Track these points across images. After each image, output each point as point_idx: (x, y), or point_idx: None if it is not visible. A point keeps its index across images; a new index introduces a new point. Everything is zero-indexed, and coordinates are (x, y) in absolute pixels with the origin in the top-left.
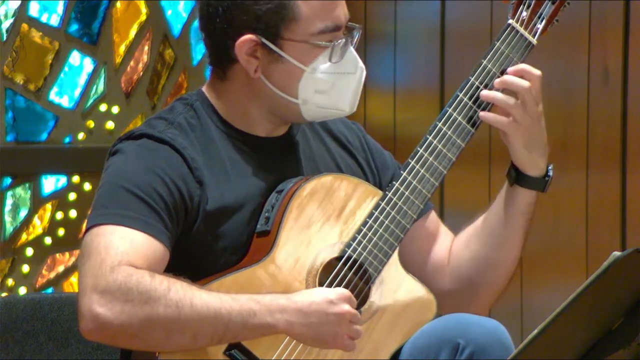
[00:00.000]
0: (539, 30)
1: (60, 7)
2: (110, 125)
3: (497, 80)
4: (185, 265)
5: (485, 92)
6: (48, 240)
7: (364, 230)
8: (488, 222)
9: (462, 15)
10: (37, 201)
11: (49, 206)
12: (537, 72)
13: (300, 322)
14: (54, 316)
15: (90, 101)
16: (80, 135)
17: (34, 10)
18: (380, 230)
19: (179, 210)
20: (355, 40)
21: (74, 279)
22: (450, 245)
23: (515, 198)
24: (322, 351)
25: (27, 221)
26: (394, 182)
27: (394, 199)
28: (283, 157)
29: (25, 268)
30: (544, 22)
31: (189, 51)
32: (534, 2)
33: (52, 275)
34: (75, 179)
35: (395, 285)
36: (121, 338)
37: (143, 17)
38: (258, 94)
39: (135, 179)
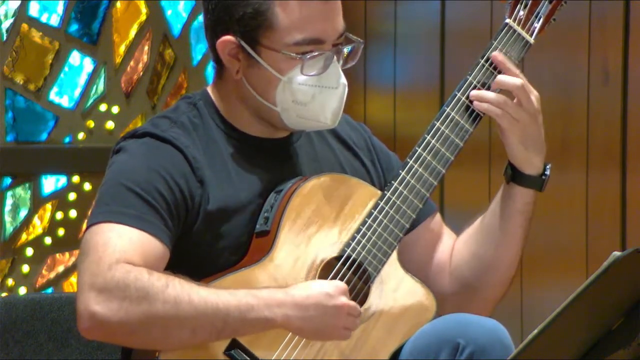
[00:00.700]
0: (536, 29)
1: (60, 7)
2: (110, 125)
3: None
4: (185, 265)
5: (474, 92)
6: (48, 240)
7: (363, 229)
8: (486, 223)
9: (462, 15)
10: (37, 201)
11: (49, 206)
12: (518, 81)
13: (298, 315)
14: (54, 316)
15: (90, 101)
16: (80, 135)
17: (34, 10)
18: (380, 230)
19: (179, 209)
20: (344, 54)
21: (73, 279)
22: (452, 247)
23: (512, 197)
24: (321, 350)
25: (27, 221)
26: (392, 182)
27: (393, 198)
28: (285, 158)
29: (25, 268)
30: (541, 21)
31: (189, 51)
32: (531, 1)
33: (52, 275)
34: (75, 179)
35: (395, 285)
36: (119, 336)
37: (143, 17)
38: (244, 96)
39: (136, 177)
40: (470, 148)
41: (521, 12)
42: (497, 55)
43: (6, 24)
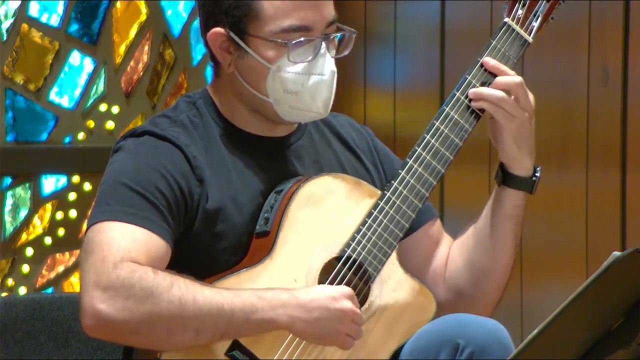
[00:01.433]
0: (534, 28)
1: (60, 7)
2: (110, 125)
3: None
4: (185, 265)
5: (472, 90)
6: (48, 240)
7: (363, 229)
8: (477, 229)
9: (462, 15)
10: (37, 201)
11: (49, 206)
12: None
13: (302, 317)
14: (54, 316)
15: (90, 101)
16: (80, 135)
17: (34, 10)
18: (379, 230)
19: (180, 207)
20: (335, 43)
21: (74, 279)
22: (447, 255)
23: (503, 200)
24: (322, 352)
25: (27, 221)
26: (392, 182)
27: (393, 198)
28: (286, 158)
29: (25, 268)
30: (539, 20)
31: (189, 51)
32: (529, 0)
33: (52, 275)
34: (75, 179)
35: (395, 285)
36: (123, 334)
37: (143, 17)
38: (239, 91)
39: (137, 176)
40: (470, 148)
41: (519, 11)
42: (489, 60)
43: (6, 24)
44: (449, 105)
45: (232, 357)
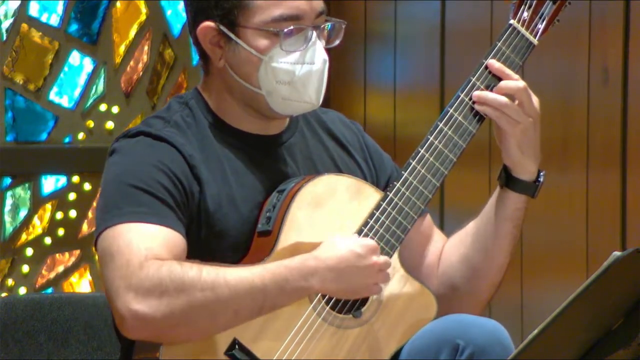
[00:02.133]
0: (540, 31)
1: (60, 7)
2: (110, 125)
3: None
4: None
5: (476, 93)
6: (48, 240)
7: (365, 230)
8: (476, 227)
9: (462, 15)
10: (37, 201)
11: (48, 206)
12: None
13: (332, 278)
14: (54, 316)
15: (90, 101)
16: (80, 135)
17: (34, 10)
18: (381, 231)
19: (183, 204)
20: (325, 33)
21: (73, 279)
22: (441, 250)
23: (504, 202)
24: (323, 351)
25: (27, 221)
26: (395, 183)
27: (395, 199)
28: (279, 156)
29: (25, 268)
30: (545, 22)
31: (189, 51)
32: (535, 2)
33: (52, 275)
34: (75, 179)
35: (396, 285)
36: (165, 330)
37: (143, 17)
38: (230, 86)
39: (139, 175)
40: (470, 148)
41: (525, 14)
42: (493, 63)
43: (6, 24)
44: (453, 107)
45: (232, 356)
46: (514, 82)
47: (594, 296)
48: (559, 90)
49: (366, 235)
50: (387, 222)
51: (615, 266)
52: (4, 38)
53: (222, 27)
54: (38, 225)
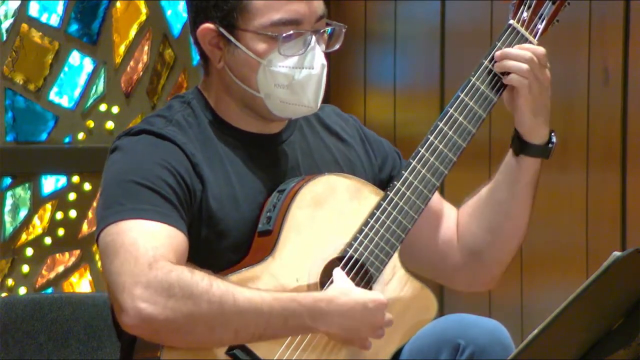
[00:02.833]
0: (539, 31)
1: (60, 7)
2: (110, 125)
3: (497, 53)
4: (187, 264)
5: (498, 52)
6: (48, 240)
7: (366, 230)
8: (495, 195)
9: (462, 15)
10: (37, 201)
11: (48, 206)
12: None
13: (338, 326)
14: (54, 316)
15: (90, 101)
16: (80, 135)
17: (34, 10)
18: (382, 230)
19: (186, 201)
20: (325, 37)
21: (74, 279)
22: (456, 222)
23: (521, 168)
24: (324, 351)
25: (27, 221)
26: (395, 182)
27: (396, 198)
28: (280, 154)
29: (25, 268)
30: (544, 22)
31: (189, 51)
32: (534, 2)
33: (52, 275)
34: (75, 179)
35: (396, 285)
36: (164, 333)
37: (143, 17)
38: (229, 87)
39: (143, 172)
40: (470, 148)
41: (525, 14)
42: (498, 53)
43: (6, 24)
44: (453, 107)
45: (233, 356)
46: (522, 52)
47: (594, 296)
48: (559, 90)
49: (366, 235)
50: (387, 221)
51: (615, 266)
52: (4, 38)
53: (221, 29)
54: (38, 225)
